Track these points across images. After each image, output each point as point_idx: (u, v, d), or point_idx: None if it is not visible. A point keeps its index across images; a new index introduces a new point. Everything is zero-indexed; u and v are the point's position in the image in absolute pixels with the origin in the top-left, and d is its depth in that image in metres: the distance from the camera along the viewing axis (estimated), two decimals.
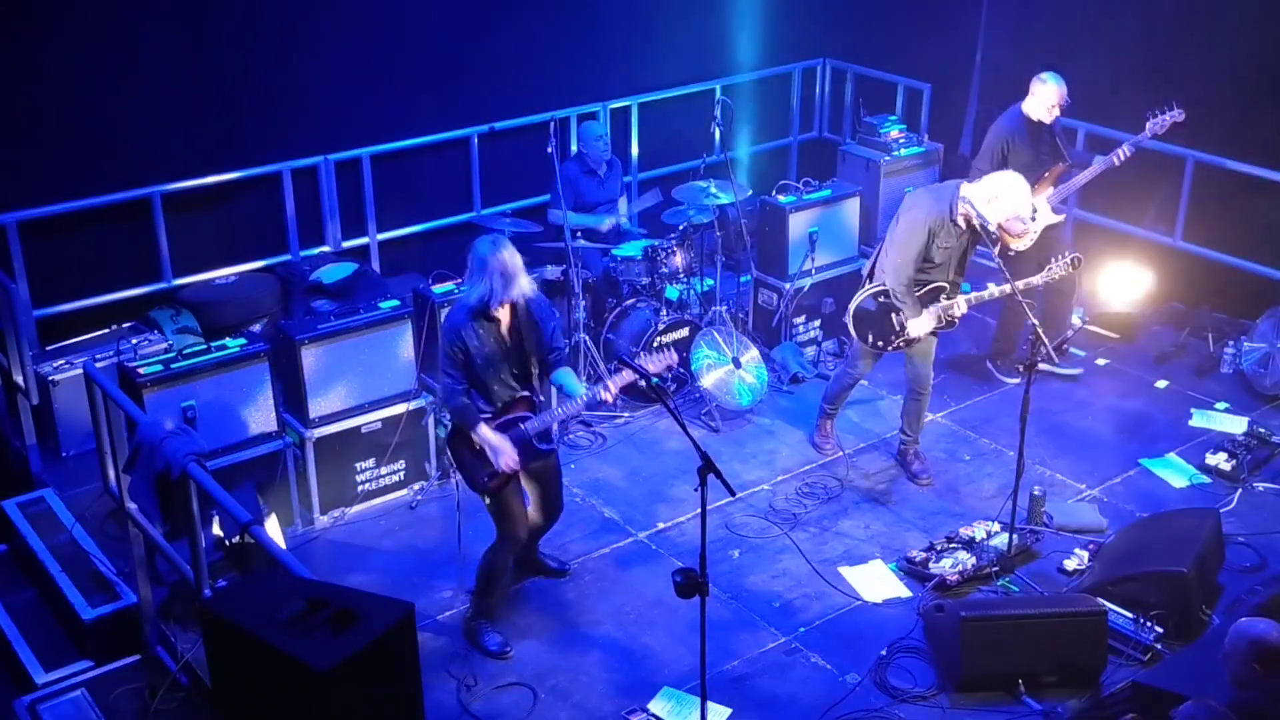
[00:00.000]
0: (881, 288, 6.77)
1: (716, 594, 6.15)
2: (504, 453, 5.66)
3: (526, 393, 5.79)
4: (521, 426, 5.73)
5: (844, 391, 7.33)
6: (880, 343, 6.88)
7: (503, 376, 5.69)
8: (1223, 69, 8.42)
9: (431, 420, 7.01)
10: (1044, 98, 7.53)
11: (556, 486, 6.10)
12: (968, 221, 6.55)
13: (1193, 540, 6.02)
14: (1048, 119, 7.58)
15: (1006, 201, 6.51)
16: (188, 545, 5.20)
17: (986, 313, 8.94)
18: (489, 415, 5.72)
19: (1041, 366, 7.96)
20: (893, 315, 6.79)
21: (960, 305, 6.74)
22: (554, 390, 6.14)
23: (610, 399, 5.79)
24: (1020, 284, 6.53)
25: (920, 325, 6.74)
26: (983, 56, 10.04)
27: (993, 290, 6.85)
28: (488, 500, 5.81)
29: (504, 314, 5.64)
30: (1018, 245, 7.63)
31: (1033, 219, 7.54)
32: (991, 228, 6.50)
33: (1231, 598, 6.07)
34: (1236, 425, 7.51)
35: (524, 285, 5.58)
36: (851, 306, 6.91)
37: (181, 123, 7.85)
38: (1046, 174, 7.58)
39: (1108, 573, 6.08)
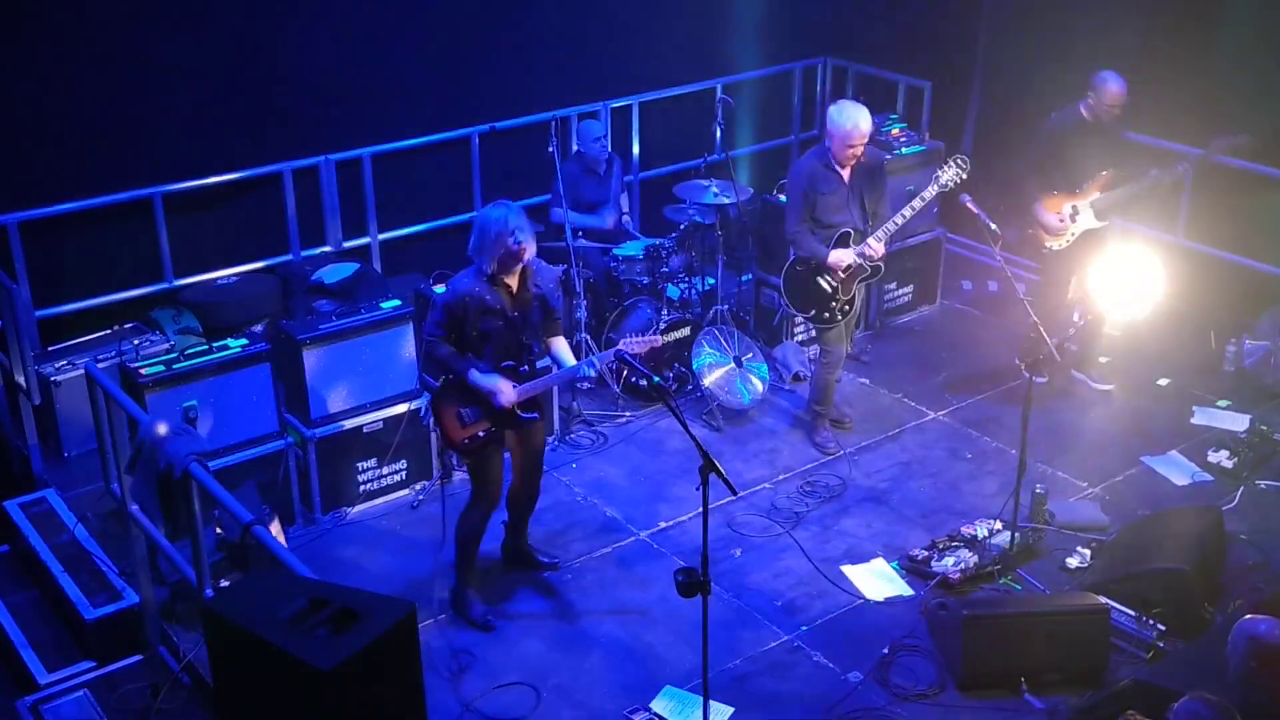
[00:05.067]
0: (792, 257, 7.07)
1: (718, 593, 6.15)
2: (501, 391, 5.72)
3: (512, 363, 5.83)
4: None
5: (830, 387, 7.34)
6: (825, 314, 7.03)
7: (502, 345, 5.75)
8: (1225, 65, 8.41)
9: (433, 420, 7.01)
10: (1099, 97, 7.33)
11: (538, 458, 6.16)
12: (843, 158, 6.86)
13: (1195, 538, 6.02)
14: (1103, 120, 7.38)
15: (836, 121, 6.85)
16: (189, 545, 5.21)
17: (989, 312, 8.96)
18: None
19: (1076, 375, 8.00)
20: (819, 279, 6.98)
21: (873, 245, 6.89)
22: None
23: (593, 373, 6.05)
24: (908, 211, 6.89)
25: (841, 255, 6.89)
26: (984, 55, 10.03)
27: (896, 220, 6.96)
28: (468, 460, 5.91)
29: (514, 280, 5.73)
30: (1054, 244, 7.61)
31: (1073, 219, 7.52)
32: (842, 158, 6.86)
33: (1234, 595, 6.07)
34: (1238, 423, 7.51)
35: (531, 248, 5.72)
36: (782, 285, 7.16)
37: (182, 123, 7.85)
38: (1096, 179, 7.44)
39: (1110, 571, 6.08)
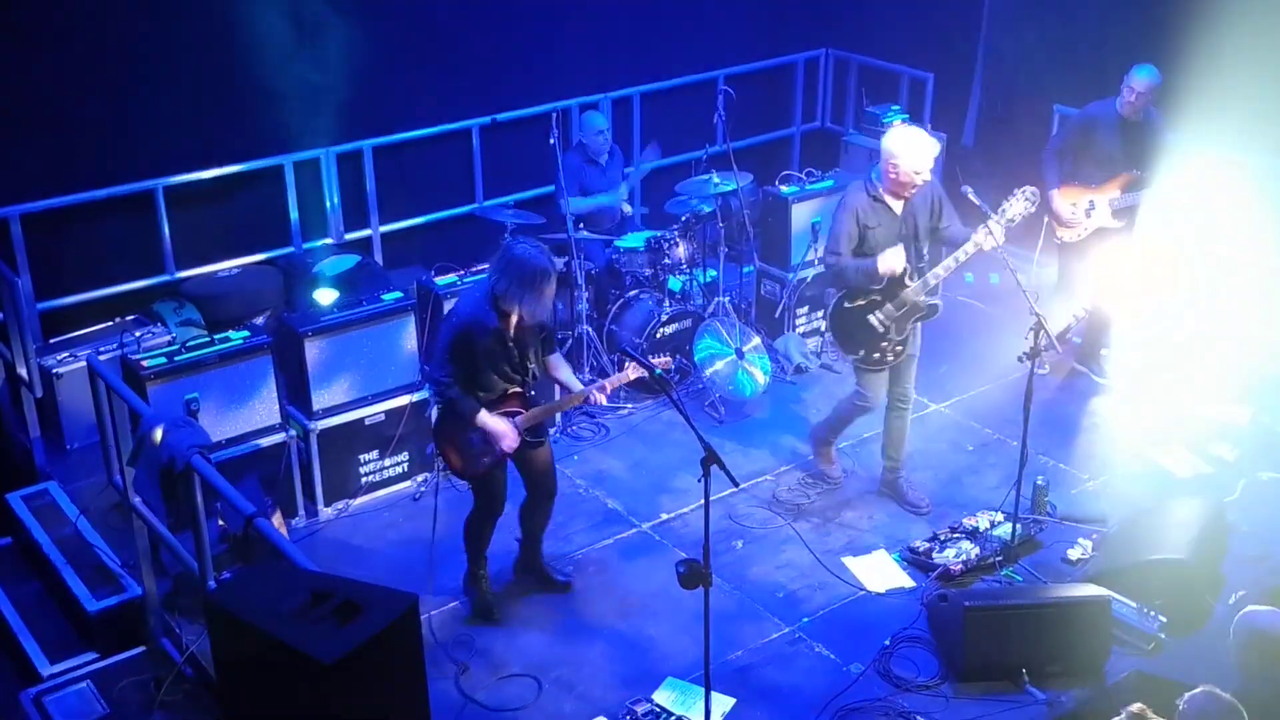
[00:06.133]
0: (839, 294, 6.47)
1: (720, 584, 6.16)
2: (505, 436, 5.70)
3: (520, 388, 5.80)
4: (513, 421, 5.75)
5: (846, 423, 6.87)
6: (875, 354, 6.46)
7: (502, 369, 5.71)
8: (1228, 57, 8.38)
9: (435, 412, 7.02)
10: (1126, 88, 7.26)
11: (548, 469, 6.05)
12: (897, 193, 6.22)
13: (1196, 530, 6.03)
14: (1127, 114, 7.31)
15: (898, 157, 6.13)
16: (192, 538, 5.21)
17: (990, 304, 8.95)
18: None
19: (1078, 368, 8.01)
20: (870, 316, 6.38)
21: (930, 282, 6.33)
22: (555, 387, 6.15)
23: (603, 400, 5.92)
24: (981, 238, 6.11)
25: (894, 260, 6.17)
26: (986, 46, 10.01)
27: (958, 256, 6.23)
28: (474, 484, 5.91)
29: (515, 313, 5.63)
30: (1066, 236, 7.58)
31: (1087, 215, 7.48)
32: (900, 189, 6.18)
33: (1235, 587, 6.07)
34: (1240, 415, 7.50)
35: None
36: (829, 323, 6.60)
37: (184, 115, 7.84)
38: (1117, 176, 7.38)
39: (1111, 562, 6.08)
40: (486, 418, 5.68)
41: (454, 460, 5.86)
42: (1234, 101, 8.25)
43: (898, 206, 6.28)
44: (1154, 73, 7.24)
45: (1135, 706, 4.50)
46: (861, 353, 6.49)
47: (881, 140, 6.29)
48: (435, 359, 5.73)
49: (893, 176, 6.17)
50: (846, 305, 6.43)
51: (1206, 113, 8.08)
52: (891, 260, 6.22)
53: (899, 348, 6.47)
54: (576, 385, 5.92)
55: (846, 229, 6.27)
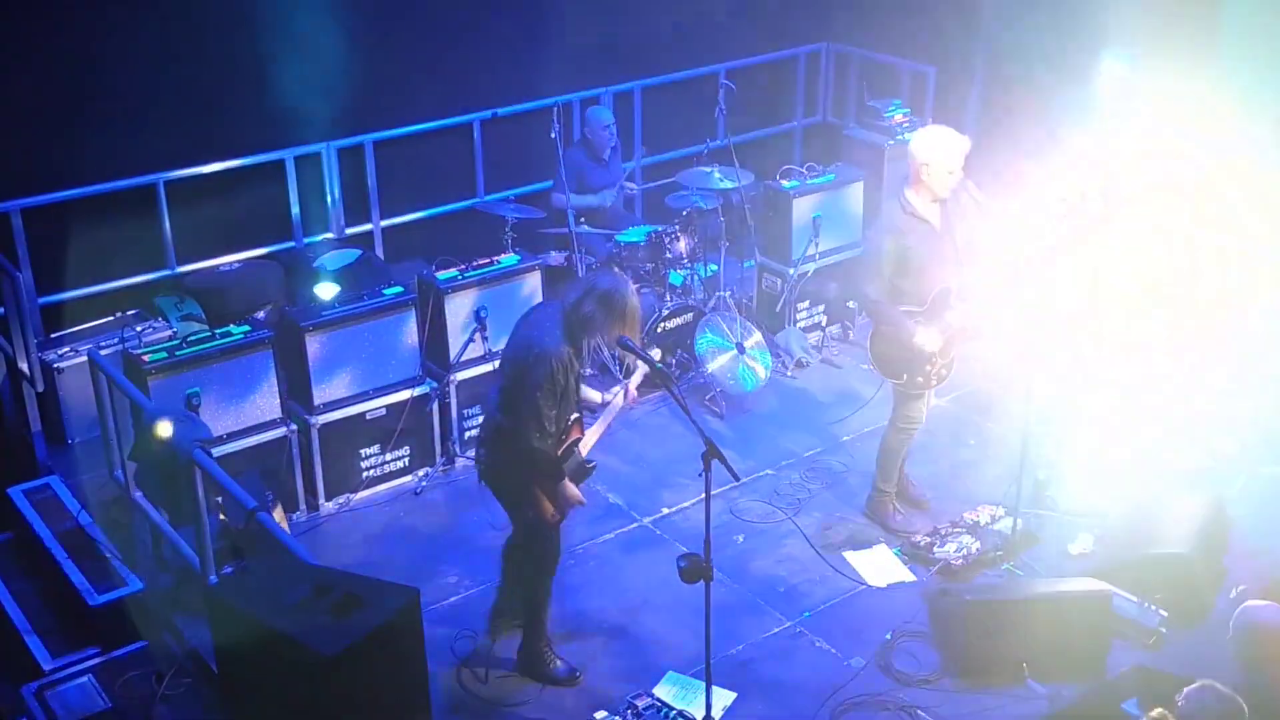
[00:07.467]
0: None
1: (721, 579, 6.15)
2: (576, 503, 5.48)
3: (577, 414, 5.59)
4: (577, 450, 5.58)
5: (898, 455, 6.55)
6: (920, 378, 6.21)
7: (568, 404, 5.40)
8: (1235, 47, 8.37)
9: (436, 406, 7.03)
10: None
11: None
12: (934, 197, 6.00)
13: (1198, 523, 6.03)
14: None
15: (929, 159, 5.91)
16: (193, 532, 5.22)
17: None
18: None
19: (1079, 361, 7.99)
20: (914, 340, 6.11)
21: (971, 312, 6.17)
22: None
23: (633, 403, 5.68)
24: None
25: (928, 339, 6.06)
26: (987, 39, 9.99)
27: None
28: (552, 532, 5.56)
29: (585, 344, 5.38)
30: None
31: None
32: (929, 190, 5.95)
33: (1236, 581, 6.07)
34: (1241, 408, 7.49)
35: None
36: (869, 348, 6.32)
37: (185, 110, 7.84)
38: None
39: (1112, 556, 6.08)
40: (570, 489, 5.42)
41: (552, 508, 5.45)
42: (1237, 87, 8.24)
43: (936, 220, 6.04)
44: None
45: (1155, 712, 4.43)
46: (905, 377, 6.23)
47: (909, 148, 6.07)
48: (529, 414, 5.19)
49: (925, 180, 5.95)
50: (885, 328, 6.20)
51: (1211, 100, 8.07)
52: (927, 340, 6.05)
53: (944, 371, 6.26)
54: (597, 396, 5.68)
55: (882, 261, 6.00)
